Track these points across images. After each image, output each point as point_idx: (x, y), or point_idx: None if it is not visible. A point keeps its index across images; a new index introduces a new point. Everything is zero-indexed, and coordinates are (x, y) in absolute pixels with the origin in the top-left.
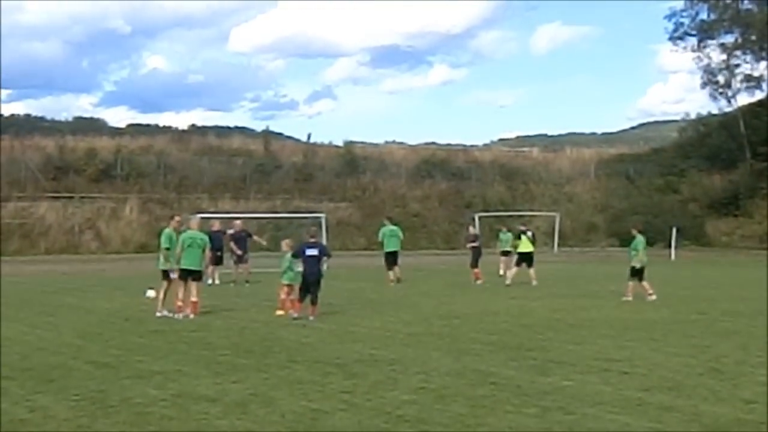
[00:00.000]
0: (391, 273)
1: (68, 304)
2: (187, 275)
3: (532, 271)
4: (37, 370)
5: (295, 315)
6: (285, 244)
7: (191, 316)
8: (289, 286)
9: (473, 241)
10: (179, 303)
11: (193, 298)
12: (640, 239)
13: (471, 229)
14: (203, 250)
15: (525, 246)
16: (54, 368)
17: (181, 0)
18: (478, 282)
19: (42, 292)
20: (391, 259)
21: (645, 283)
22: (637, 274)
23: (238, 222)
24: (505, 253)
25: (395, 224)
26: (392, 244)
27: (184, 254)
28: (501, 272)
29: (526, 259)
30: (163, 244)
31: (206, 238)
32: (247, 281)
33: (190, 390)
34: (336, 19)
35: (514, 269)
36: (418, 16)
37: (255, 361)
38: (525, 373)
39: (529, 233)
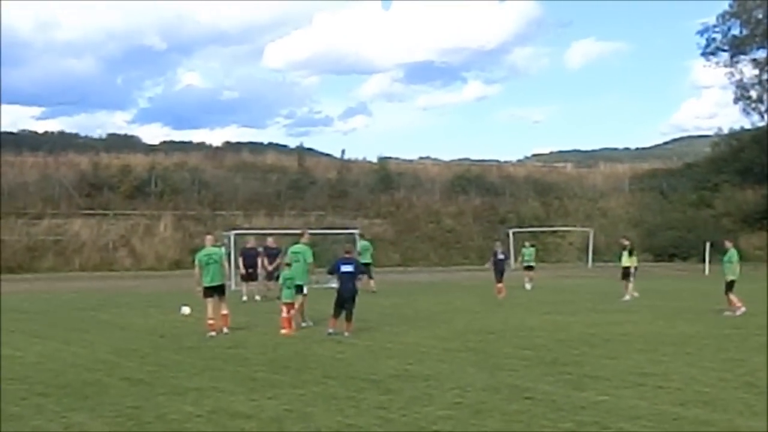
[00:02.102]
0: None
1: (103, 321)
2: (212, 292)
3: (624, 284)
4: (72, 387)
5: (330, 330)
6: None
7: (225, 330)
8: (289, 304)
9: (498, 258)
10: (211, 321)
11: (224, 311)
12: (734, 252)
13: (496, 247)
14: (222, 265)
15: (632, 261)
16: (89, 385)
17: (216, 15)
18: (501, 296)
19: (76, 308)
20: (366, 270)
21: (733, 296)
22: (731, 287)
23: (270, 239)
24: (529, 268)
25: (368, 240)
26: (367, 256)
27: (204, 272)
28: (527, 286)
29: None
30: (308, 259)
31: (221, 252)
32: (278, 297)
33: (226, 406)
34: (370, 35)
35: (630, 284)
36: (452, 32)
37: (290, 378)
38: (560, 388)
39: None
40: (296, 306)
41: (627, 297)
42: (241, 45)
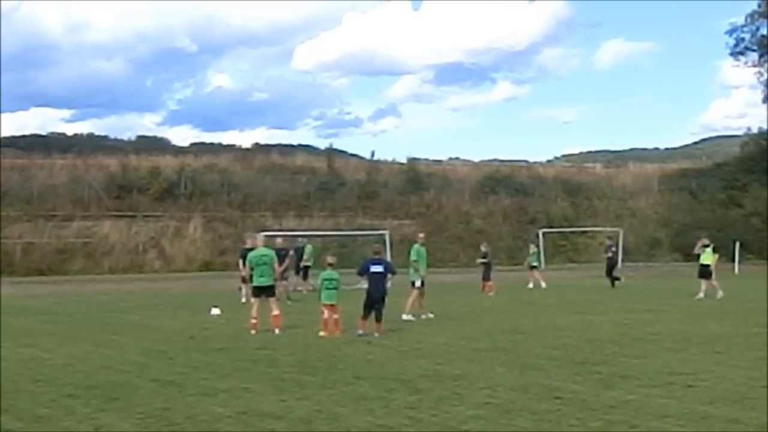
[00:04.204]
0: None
1: (132, 323)
2: (261, 292)
3: (708, 283)
4: (101, 388)
5: (360, 331)
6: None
7: (276, 331)
8: (329, 306)
9: (484, 258)
10: (253, 320)
11: (275, 312)
12: None
13: (482, 247)
14: (272, 267)
15: (710, 258)
16: (119, 386)
17: (246, 17)
18: (490, 294)
19: (106, 310)
20: (306, 272)
21: None
22: None
23: (279, 240)
24: (533, 268)
25: (309, 244)
26: (310, 260)
27: (254, 272)
28: (530, 285)
29: (708, 271)
30: (412, 257)
31: (273, 254)
32: (288, 298)
33: (255, 407)
34: (399, 36)
35: (706, 283)
36: (481, 33)
37: (320, 378)
38: (590, 387)
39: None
40: (334, 309)
41: (701, 295)
42: (270, 46)
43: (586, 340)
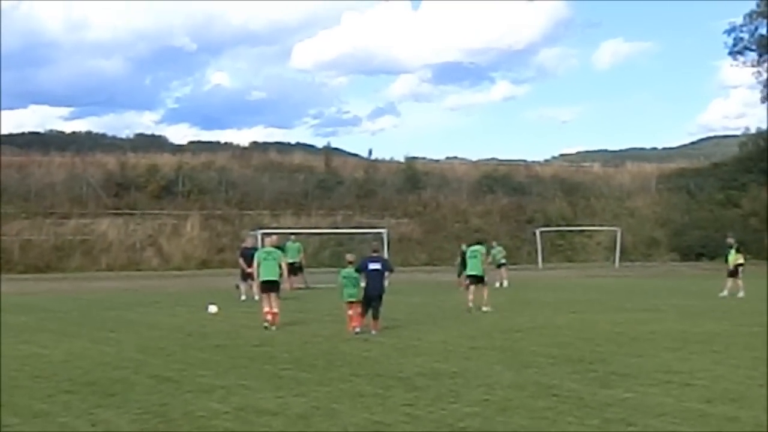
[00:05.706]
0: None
1: (130, 320)
2: (268, 287)
3: (734, 281)
4: (99, 385)
5: (358, 329)
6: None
7: (273, 327)
8: (351, 303)
9: (463, 256)
10: (268, 316)
11: (274, 309)
12: None
13: (463, 246)
14: (279, 264)
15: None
16: (116, 382)
17: (245, 16)
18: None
19: (104, 307)
20: (296, 266)
21: None
22: None
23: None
24: (500, 266)
25: (297, 242)
26: (296, 257)
27: (261, 268)
28: (497, 284)
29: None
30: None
31: (280, 252)
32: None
33: (253, 403)
34: (398, 36)
35: (731, 282)
36: (480, 33)
37: (317, 375)
38: (587, 385)
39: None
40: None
41: (725, 292)
42: (269, 45)
43: (584, 338)
